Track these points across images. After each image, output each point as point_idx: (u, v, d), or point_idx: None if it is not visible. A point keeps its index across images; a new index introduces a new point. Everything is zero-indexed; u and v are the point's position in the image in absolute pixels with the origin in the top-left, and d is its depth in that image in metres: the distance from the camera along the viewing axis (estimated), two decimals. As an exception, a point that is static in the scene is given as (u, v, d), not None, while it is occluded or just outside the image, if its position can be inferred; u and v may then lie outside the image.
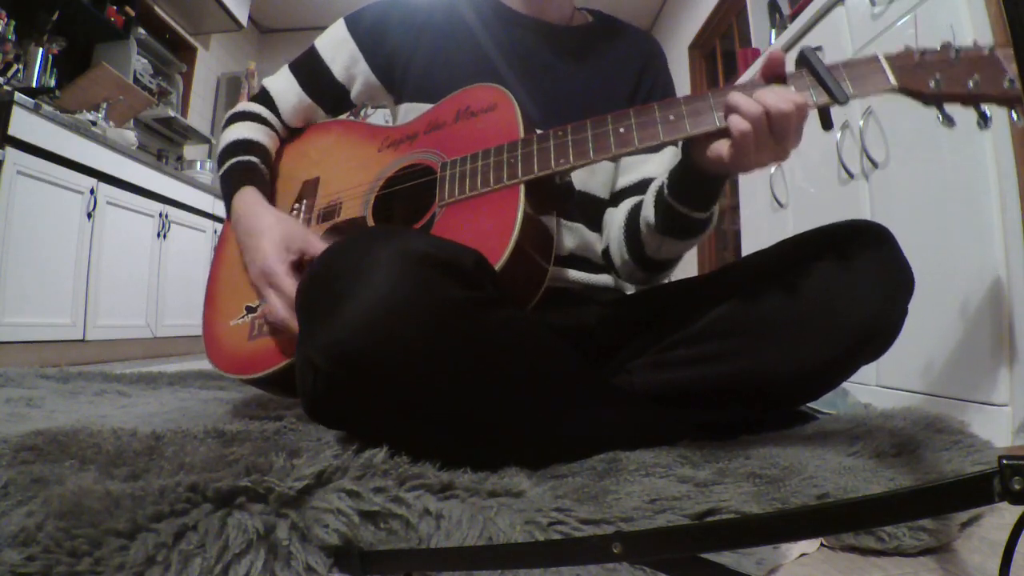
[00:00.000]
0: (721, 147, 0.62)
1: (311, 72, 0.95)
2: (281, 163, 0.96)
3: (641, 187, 0.85)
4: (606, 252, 0.86)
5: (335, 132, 0.94)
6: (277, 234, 0.77)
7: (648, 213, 0.75)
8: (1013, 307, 0.93)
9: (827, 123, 0.62)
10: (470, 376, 0.56)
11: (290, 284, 0.73)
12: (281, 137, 0.98)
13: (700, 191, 0.69)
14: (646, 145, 0.65)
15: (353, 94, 0.94)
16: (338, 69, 0.93)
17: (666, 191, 0.71)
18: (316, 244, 0.76)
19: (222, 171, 0.90)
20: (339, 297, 0.53)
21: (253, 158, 0.90)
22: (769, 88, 0.60)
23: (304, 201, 0.89)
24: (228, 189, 0.88)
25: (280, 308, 0.72)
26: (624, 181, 0.87)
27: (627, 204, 0.84)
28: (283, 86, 0.96)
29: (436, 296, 0.53)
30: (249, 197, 0.85)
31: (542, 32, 0.89)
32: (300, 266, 0.76)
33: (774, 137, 0.59)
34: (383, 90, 0.93)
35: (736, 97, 0.60)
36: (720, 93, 0.63)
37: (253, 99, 0.98)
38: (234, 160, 0.89)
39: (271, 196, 0.90)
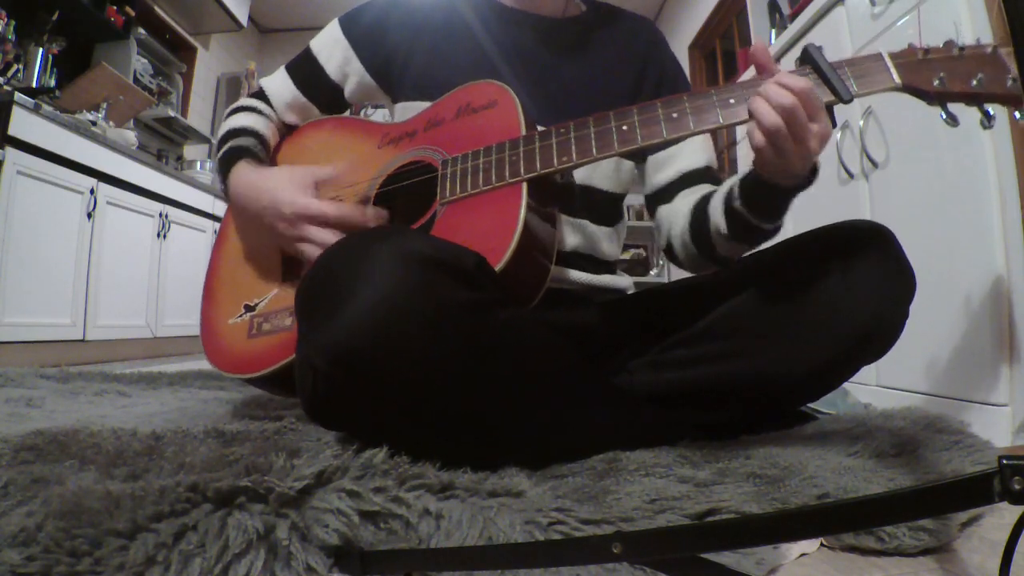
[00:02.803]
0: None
1: (306, 71, 0.95)
2: (280, 159, 0.96)
3: (687, 180, 0.86)
4: (669, 249, 0.87)
5: (335, 129, 0.94)
6: (289, 178, 0.79)
7: (719, 221, 0.74)
8: (1013, 307, 0.93)
9: (831, 122, 0.62)
10: (470, 377, 0.56)
11: (332, 208, 0.74)
12: (279, 130, 0.98)
13: (772, 204, 0.68)
14: (649, 143, 0.64)
15: (347, 93, 0.95)
16: (332, 68, 0.93)
17: (737, 202, 0.70)
18: (322, 170, 0.79)
19: (219, 155, 0.91)
20: (339, 298, 0.52)
21: (247, 140, 0.90)
22: (774, 81, 0.58)
23: None
24: (225, 169, 0.88)
25: (330, 236, 0.73)
26: (665, 176, 0.88)
27: (685, 201, 0.84)
28: (279, 84, 0.97)
29: (437, 297, 0.53)
30: (245, 168, 0.85)
31: (537, 27, 0.88)
32: None
33: (793, 138, 0.58)
34: (378, 89, 0.93)
35: (754, 104, 0.59)
36: (723, 90, 0.63)
37: (251, 96, 0.99)
38: (230, 144, 0.90)
39: None
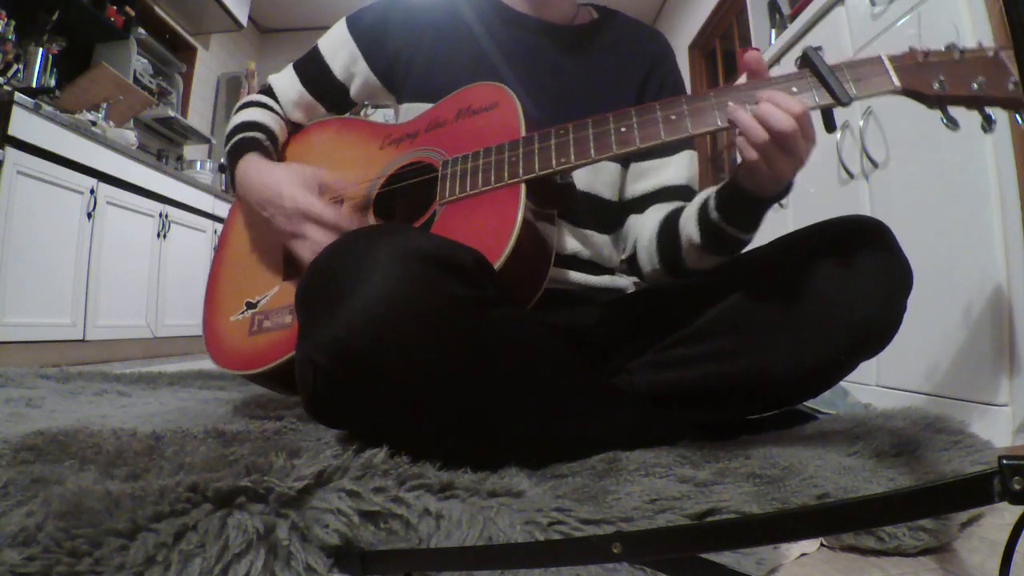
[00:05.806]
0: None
1: (312, 70, 0.96)
2: (286, 157, 0.97)
3: (664, 194, 0.85)
4: (632, 259, 0.86)
5: (337, 130, 0.94)
6: (297, 176, 0.80)
7: (691, 232, 0.74)
8: (1013, 307, 0.93)
9: (830, 125, 0.62)
10: (470, 375, 0.56)
11: (331, 212, 0.74)
12: (287, 128, 0.99)
13: (751, 213, 0.68)
14: (648, 145, 0.64)
15: (352, 92, 0.95)
16: (338, 68, 0.94)
17: (713, 213, 0.70)
18: (328, 174, 0.81)
19: (228, 146, 0.91)
20: (340, 295, 0.53)
21: (258, 134, 0.91)
22: (769, 99, 0.59)
23: None
24: (233, 159, 0.89)
25: (325, 237, 0.73)
26: (643, 187, 0.87)
27: (655, 213, 0.84)
28: (285, 82, 0.98)
29: (436, 294, 0.53)
30: (253, 160, 0.86)
31: (545, 32, 0.88)
32: None
33: (785, 154, 0.59)
34: (383, 89, 0.93)
35: (741, 118, 0.60)
36: (722, 92, 0.63)
37: (260, 92, 1.00)
38: (238, 137, 0.91)
39: None
